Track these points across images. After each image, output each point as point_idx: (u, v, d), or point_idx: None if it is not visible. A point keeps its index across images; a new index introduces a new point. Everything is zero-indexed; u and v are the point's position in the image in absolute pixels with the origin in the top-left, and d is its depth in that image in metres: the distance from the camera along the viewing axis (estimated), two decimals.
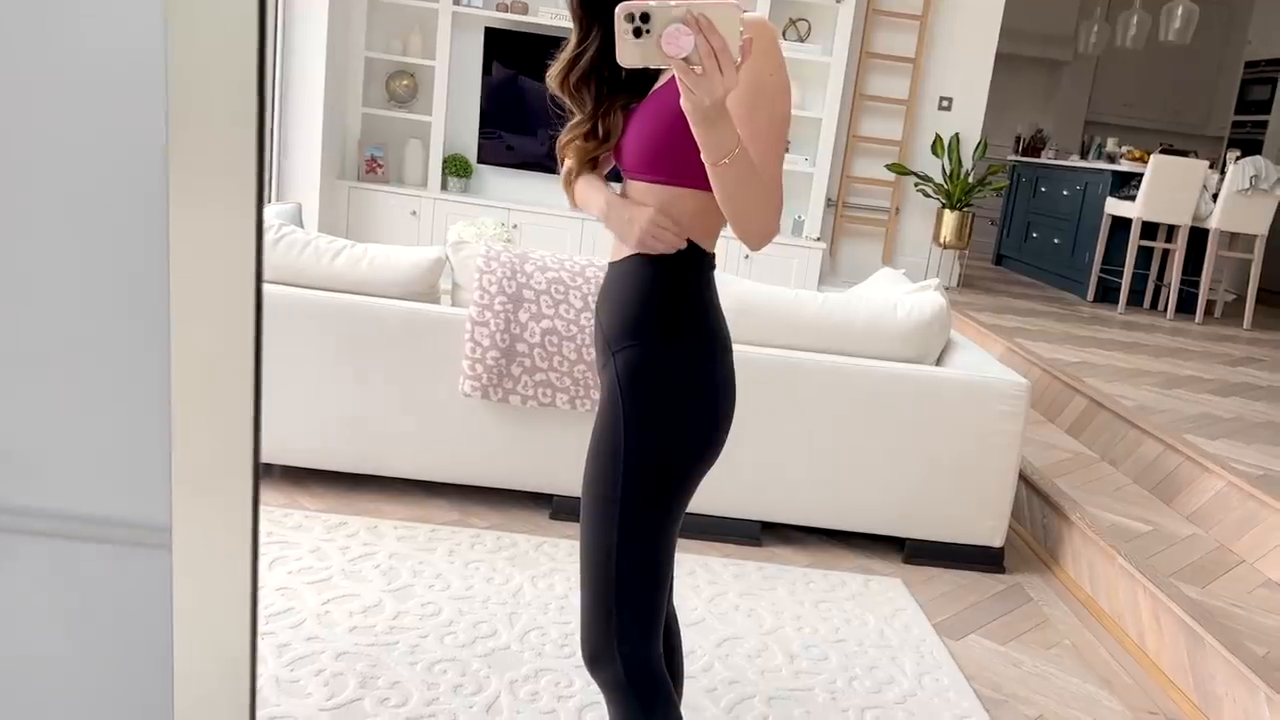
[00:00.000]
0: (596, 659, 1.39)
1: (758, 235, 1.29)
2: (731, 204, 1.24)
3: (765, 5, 6.16)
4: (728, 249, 5.95)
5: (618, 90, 1.42)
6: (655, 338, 1.35)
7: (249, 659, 0.55)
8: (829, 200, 6.68)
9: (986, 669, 2.53)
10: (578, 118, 1.44)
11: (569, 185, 1.51)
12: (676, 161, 1.31)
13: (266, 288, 2.96)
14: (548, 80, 1.43)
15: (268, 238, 2.97)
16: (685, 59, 1.06)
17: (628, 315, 1.36)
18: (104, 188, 0.56)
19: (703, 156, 1.19)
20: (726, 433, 1.41)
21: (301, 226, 3.29)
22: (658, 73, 1.40)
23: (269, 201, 5.62)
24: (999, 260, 8.92)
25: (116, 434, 0.56)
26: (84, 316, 0.57)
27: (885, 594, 2.86)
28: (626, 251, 1.39)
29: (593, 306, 3.04)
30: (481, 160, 6.32)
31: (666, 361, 1.34)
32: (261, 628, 2.29)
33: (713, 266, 1.41)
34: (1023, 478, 3.45)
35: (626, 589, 1.36)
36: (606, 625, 1.37)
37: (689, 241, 1.36)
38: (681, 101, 1.12)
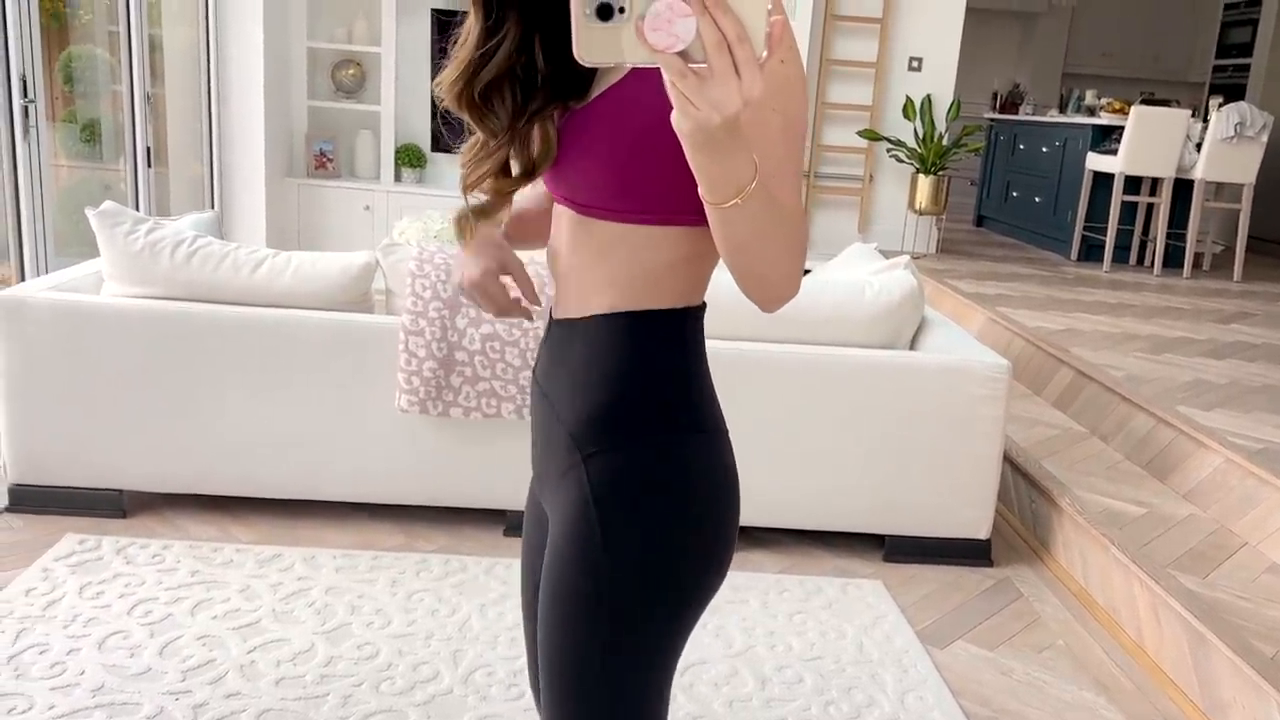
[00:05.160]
0: None
1: (776, 295, 0.91)
2: (743, 255, 0.87)
3: None
4: None
5: (538, 95, 0.99)
6: (646, 436, 0.99)
7: None
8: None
9: (975, 681, 2.34)
10: (482, 139, 1.01)
11: (470, 227, 1.07)
12: (665, 187, 0.93)
13: (184, 307, 2.74)
14: (439, 93, 1.00)
15: (179, 252, 2.74)
16: (682, 53, 0.70)
17: (602, 403, 0.99)
18: None
19: (702, 193, 0.80)
20: (734, 542, 1.06)
21: (221, 236, 3.06)
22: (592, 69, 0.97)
23: (209, 205, 5.37)
24: (980, 221, 8.69)
25: None
26: None
27: (865, 599, 2.67)
28: (594, 307, 1.00)
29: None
30: (436, 149, 6.08)
31: (662, 467, 0.99)
32: (176, 685, 2.08)
33: (702, 321, 1.04)
34: (1008, 460, 3.25)
35: None
36: None
37: (678, 294, 1.01)
38: (674, 118, 0.74)
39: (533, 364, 1.21)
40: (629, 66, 0.91)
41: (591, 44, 0.70)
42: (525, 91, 0.98)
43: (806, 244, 0.92)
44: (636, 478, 0.99)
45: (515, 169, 1.02)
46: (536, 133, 0.99)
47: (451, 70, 0.99)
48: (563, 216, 1.03)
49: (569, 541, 1.00)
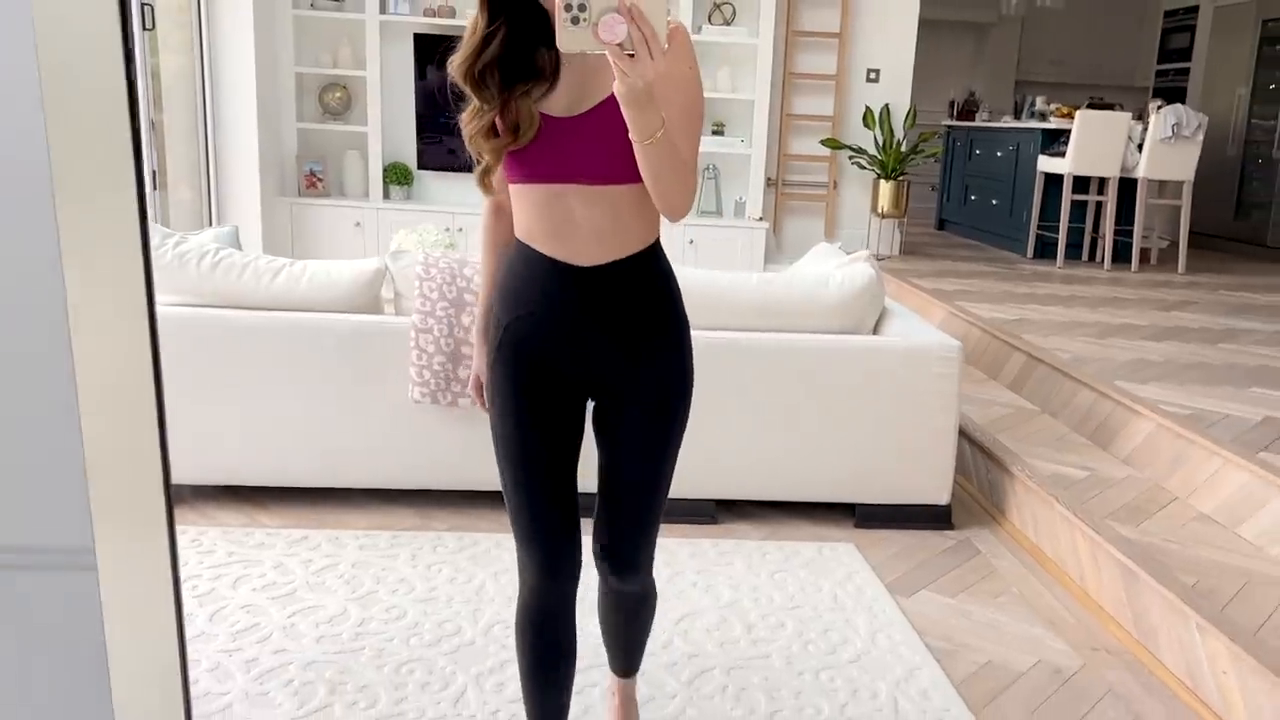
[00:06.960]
0: (640, 569, 1.75)
1: (678, 208, 1.47)
2: (657, 180, 1.42)
3: None
4: (669, 237, 6.01)
5: (518, 80, 1.49)
6: (682, 316, 1.65)
7: (179, 664, 0.61)
8: (768, 180, 6.77)
9: (938, 622, 2.63)
10: (477, 106, 1.50)
11: (487, 181, 1.60)
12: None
13: (210, 313, 3.00)
14: (450, 69, 1.50)
15: (205, 263, 3.00)
16: (619, 44, 1.21)
17: (667, 305, 1.62)
18: None
19: (631, 136, 1.34)
20: None
21: (240, 249, 3.31)
22: (556, 65, 1.49)
23: (208, 225, 5.61)
24: (941, 225, 9.06)
25: (32, 465, 0.60)
26: None
27: (839, 559, 2.96)
28: (631, 248, 1.54)
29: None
30: (422, 166, 6.35)
31: (689, 333, 1.67)
32: (229, 645, 2.34)
33: None
34: (966, 435, 3.56)
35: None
36: (650, 545, 1.75)
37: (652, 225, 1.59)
38: (615, 85, 1.27)
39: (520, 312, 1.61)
40: (608, 90, 1.41)
41: (567, 40, 1.21)
42: (506, 77, 1.48)
43: (695, 182, 1.47)
44: (689, 341, 1.66)
45: (507, 135, 1.48)
46: (519, 108, 1.47)
47: (461, 53, 1.49)
48: (565, 195, 1.49)
49: (673, 392, 1.64)
